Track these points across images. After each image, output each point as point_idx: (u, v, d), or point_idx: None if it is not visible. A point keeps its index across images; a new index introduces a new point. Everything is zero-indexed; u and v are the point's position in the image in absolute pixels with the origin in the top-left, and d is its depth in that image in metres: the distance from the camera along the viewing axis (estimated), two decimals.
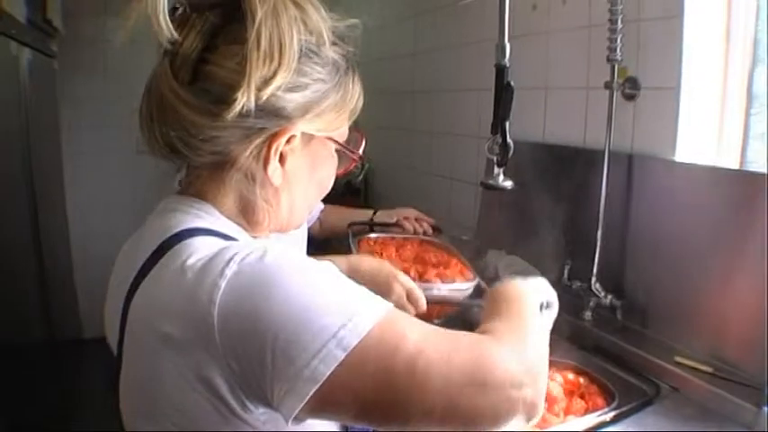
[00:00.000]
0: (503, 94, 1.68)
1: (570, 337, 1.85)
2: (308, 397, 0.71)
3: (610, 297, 1.91)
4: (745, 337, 1.57)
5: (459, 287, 1.83)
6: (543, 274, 1.94)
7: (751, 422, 1.41)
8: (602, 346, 1.82)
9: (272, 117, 0.85)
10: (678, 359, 1.64)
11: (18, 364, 2.55)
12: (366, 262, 1.57)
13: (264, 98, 0.82)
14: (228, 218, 0.91)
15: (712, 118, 1.82)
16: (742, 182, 1.63)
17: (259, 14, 0.80)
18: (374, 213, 2.46)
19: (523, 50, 2.22)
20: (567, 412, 1.49)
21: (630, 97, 1.92)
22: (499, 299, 1.03)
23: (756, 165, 1.76)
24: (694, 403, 1.53)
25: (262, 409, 0.77)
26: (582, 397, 1.55)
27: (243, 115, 0.82)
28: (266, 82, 0.81)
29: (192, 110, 0.83)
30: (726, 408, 1.47)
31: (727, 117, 1.82)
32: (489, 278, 2.27)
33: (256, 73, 0.80)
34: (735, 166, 1.79)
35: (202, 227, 0.85)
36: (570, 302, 1.96)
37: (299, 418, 0.74)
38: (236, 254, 0.76)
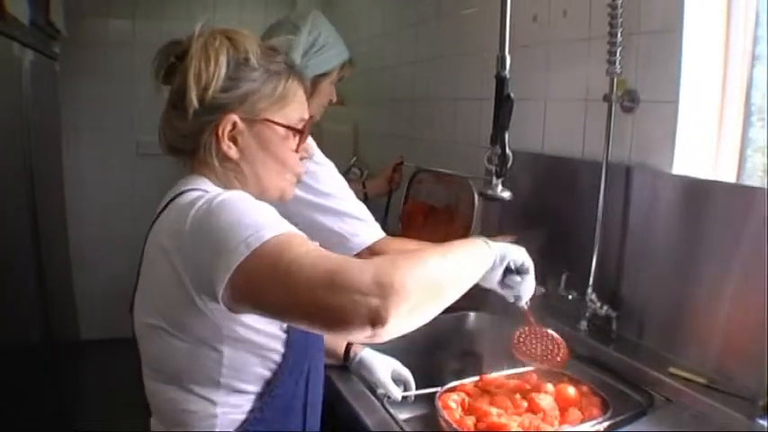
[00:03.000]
0: (502, 105, 1.69)
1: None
2: (224, 282, 1.01)
3: (605, 308, 1.92)
4: (739, 349, 1.59)
5: None
6: (539, 283, 1.97)
7: None
8: (598, 356, 1.83)
9: (215, 111, 1.22)
10: (672, 370, 1.65)
11: (16, 366, 2.56)
12: None
13: (206, 100, 1.20)
14: (215, 185, 1.26)
15: (710, 131, 1.83)
16: (738, 195, 1.64)
17: (192, 50, 1.20)
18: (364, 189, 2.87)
19: (523, 61, 2.24)
20: (562, 422, 1.50)
21: (629, 110, 1.93)
22: None
23: (754, 178, 1.77)
24: (688, 414, 1.54)
25: (212, 305, 1.07)
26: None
27: (197, 115, 1.21)
28: (204, 90, 1.20)
29: (177, 120, 1.25)
30: (719, 419, 1.48)
31: (724, 131, 1.83)
32: (485, 287, 2.29)
33: (192, 86, 1.19)
34: (732, 179, 1.81)
35: (198, 188, 1.22)
36: (566, 313, 1.98)
37: (232, 309, 1.07)
38: (205, 195, 1.13)
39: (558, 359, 1.62)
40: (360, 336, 0.98)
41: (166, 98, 1.29)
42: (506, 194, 1.78)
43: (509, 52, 1.74)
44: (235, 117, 1.23)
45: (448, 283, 1.10)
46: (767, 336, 1.48)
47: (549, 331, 1.63)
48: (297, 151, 1.33)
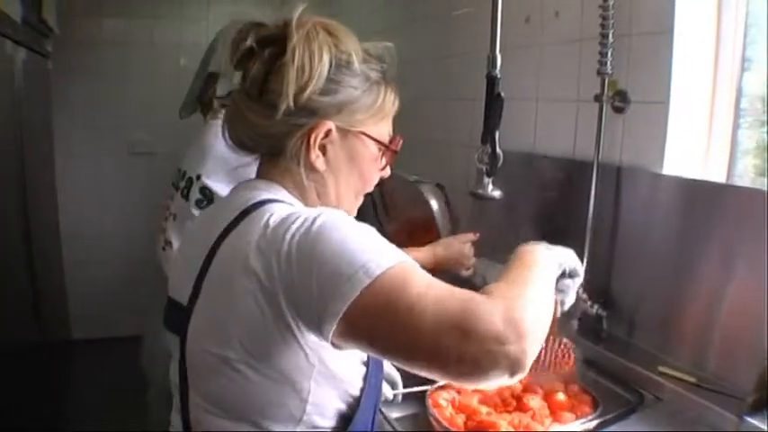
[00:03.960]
0: (493, 104, 1.70)
1: None
2: (340, 315, 0.92)
3: (596, 307, 1.93)
4: (728, 348, 1.60)
5: None
6: None
7: None
8: (588, 355, 1.83)
9: (309, 115, 1.09)
10: (662, 369, 1.66)
11: (7, 365, 2.55)
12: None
13: (302, 101, 1.06)
14: (291, 195, 1.15)
15: (701, 132, 1.85)
16: (728, 196, 1.65)
17: (294, 40, 1.05)
18: None
19: (515, 61, 2.24)
20: (553, 419, 1.51)
21: (620, 110, 1.94)
22: (516, 260, 1.16)
23: (744, 179, 1.78)
24: (677, 413, 1.55)
25: (313, 337, 0.98)
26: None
27: (287, 115, 1.07)
28: (302, 89, 1.06)
29: (255, 115, 1.10)
30: (708, 418, 1.49)
31: (715, 131, 1.84)
32: (477, 287, 2.29)
33: (292, 82, 1.05)
34: (722, 180, 1.82)
35: (276, 198, 1.11)
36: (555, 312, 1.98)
37: (335, 344, 0.97)
38: (302, 214, 1.01)
39: (567, 366, 1.59)
40: (491, 384, 0.94)
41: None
42: (497, 193, 1.79)
43: (501, 53, 1.75)
44: (331, 124, 1.11)
45: (547, 306, 1.05)
46: (756, 335, 1.49)
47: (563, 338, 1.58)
48: (383, 169, 1.23)
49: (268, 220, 1.02)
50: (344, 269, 0.92)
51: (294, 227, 0.98)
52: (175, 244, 1.99)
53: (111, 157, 4.79)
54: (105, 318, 4.59)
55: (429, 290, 0.93)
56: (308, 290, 0.94)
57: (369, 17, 4.07)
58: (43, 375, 3.20)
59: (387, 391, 1.61)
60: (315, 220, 0.98)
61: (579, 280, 1.30)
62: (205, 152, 1.96)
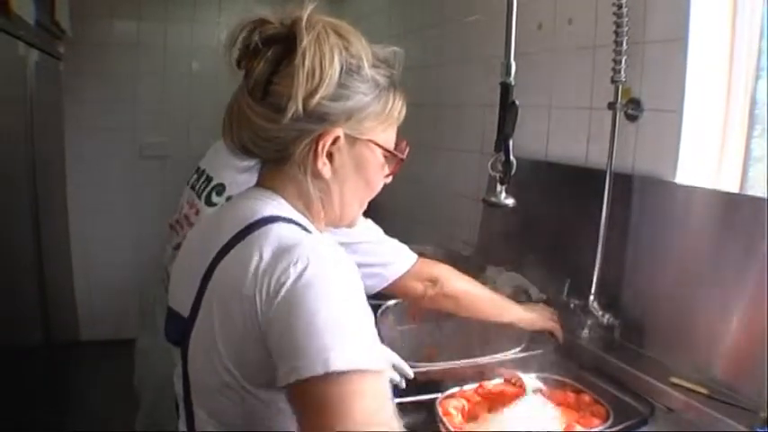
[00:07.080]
0: (507, 112, 1.69)
1: (567, 355, 1.86)
2: (287, 381, 0.89)
3: (607, 316, 1.91)
4: (740, 360, 1.58)
5: None
6: (542, 291, 1.96)
7: None
8: (599, 364, 1.82)
9: (318, 121, 1.05)
10: (674, 380, 1.64)
11: (15, 366, 2.56)
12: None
13: (311, 106, 1.02)
14: (294, 207, 1.12)
15: (714, 141, 1.83)
16: (741, 205, 1.64)
17: (304, 42, 1.00)
18: None
19: (528, 68, 2.23)
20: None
21: (633, 118, 1.93)
22: None
23: (757, 188, 1.77)
24: (689, 424, 1.53)
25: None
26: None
27: (295, 120, 1.02)
28: (311, 93, 1.01)
29: (260, 118, 1.05)
30: (720, 429, 1.47)
31: (728, 140, 1.83)
32: None
33: (302, 86, 1.00)
34: (735, 189, 1.80)
35: (280, 215, 1.07)
36: (568, 320, 1.97)
37: (282, 397, 0.96)
38: (299, 255, 0.96)
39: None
40: None
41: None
42: (509, 201, 1.77)
43: (514, 59, 1.74)
44: (340, 131, 1.07)
45: None
46: None
47: None
48: (388, 176, 1.21)
49: (267, 246, 1.00)
50: (311, 347, 0.89)
51: (295, 268, 0.94)
52: None
53: (121, 160, 4.80)
54: (113, 320, 4.59)
55: (372, 415, 0.89)
56: (276, 340, 0.94)
57: (381, 21, 4.07)
58: (50, 377, 3.20)
59: (395, 378, 1.61)
60: (313, 270, 0.94)
61: None
62: (219, 149, 1.88)
